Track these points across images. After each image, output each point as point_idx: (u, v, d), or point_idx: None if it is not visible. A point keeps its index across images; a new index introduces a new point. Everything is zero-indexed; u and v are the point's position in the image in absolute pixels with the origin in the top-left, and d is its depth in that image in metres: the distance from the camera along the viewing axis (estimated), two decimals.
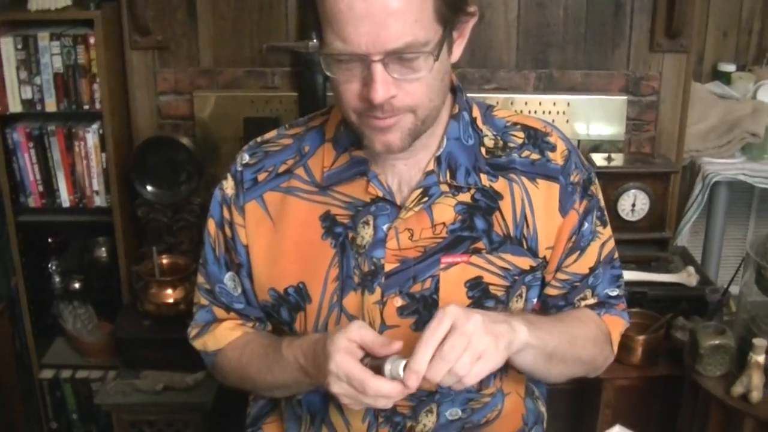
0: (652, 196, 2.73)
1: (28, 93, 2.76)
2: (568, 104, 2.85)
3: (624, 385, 2.53)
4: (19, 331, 3.10)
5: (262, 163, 1.49)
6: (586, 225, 1.48)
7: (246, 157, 1.50)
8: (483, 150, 1.44)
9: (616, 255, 1.58)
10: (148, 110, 2.93)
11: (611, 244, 1.55)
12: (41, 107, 2.78)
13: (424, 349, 1.20)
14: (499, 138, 1.46)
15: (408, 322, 1.42)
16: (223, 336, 1.56)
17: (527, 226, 1.43)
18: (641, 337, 2.50)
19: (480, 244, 1.42)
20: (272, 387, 1.51)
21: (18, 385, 3.13)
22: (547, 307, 1.56)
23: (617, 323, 1.59)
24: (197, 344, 1.60)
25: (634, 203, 2.73)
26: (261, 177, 1.48)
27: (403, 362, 1.22)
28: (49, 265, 3.12)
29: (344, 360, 1.24)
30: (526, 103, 2.83)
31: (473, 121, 1.45)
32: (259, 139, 1.54)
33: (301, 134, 1.50)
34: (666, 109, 2.92)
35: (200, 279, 1.58)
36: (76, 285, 3.11)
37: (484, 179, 1.42)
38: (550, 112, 2.84)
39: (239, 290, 1.53)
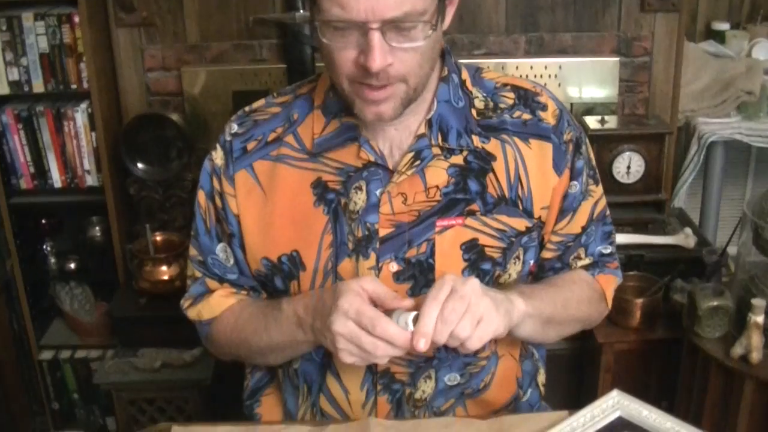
0: (647, 158, 2.71)
1: (15, 74, 2.74)
2: (560, 67, 2.82)
3: (623, 348, 2.53)
4: (17, 313, 3.09)
5: (251, 133, 1.47)
6: (578, 185, 1.47)
7: (234, 127, 1.49)
8: (474, 112, 1.43)
9: (608, 212, 1.58)
10: (136, 88, 2.90)
11: (603, 201, 1.55)
12: (29, 88, 2.76)
13: (429, 311, 1.22)
14: (489, 99, 1.45)
15: (404, 287, 1.41)
16: (218, 303, 1.54)
17: (521, 187, 1.43)
18: (639, 301, 2.49)
19: (474, 207, 1.41)
20: (266, 349, 1.49)
21: (18, 368, 3.13)
22: (543, 270, 1.55)
23: (610, 281, 1.60)
24: (191, 314, 1.58)
25: (629, 165, 2.71)
26: (250, 146, 1.46)
27: (413, 314, 1.24)
28: (44, 247, 3.11)
29: (356, 299, 1.25)
30: (517, 68, 2.80)
31: (462, 83, 1.44)
32: (247, 109, 1.52)
33: (289, 102, 1.49)
34: (659, 70, 2.89)
35: (192, 251, 1.57)
36: (72, 265, 3.10)
37: (476, 141, 1.41)
38: (541, 76, 2.81)
39: (231, 261, 1.52)
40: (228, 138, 1.48)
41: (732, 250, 2.59)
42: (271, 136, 1.46)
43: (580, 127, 1.51)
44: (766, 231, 2.16)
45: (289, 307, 1.41)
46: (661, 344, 2.53)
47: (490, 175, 1.42)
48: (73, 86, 2.75)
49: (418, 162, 1.38)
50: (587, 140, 1.51)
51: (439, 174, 1.40)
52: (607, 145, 2.69)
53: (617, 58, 2.85)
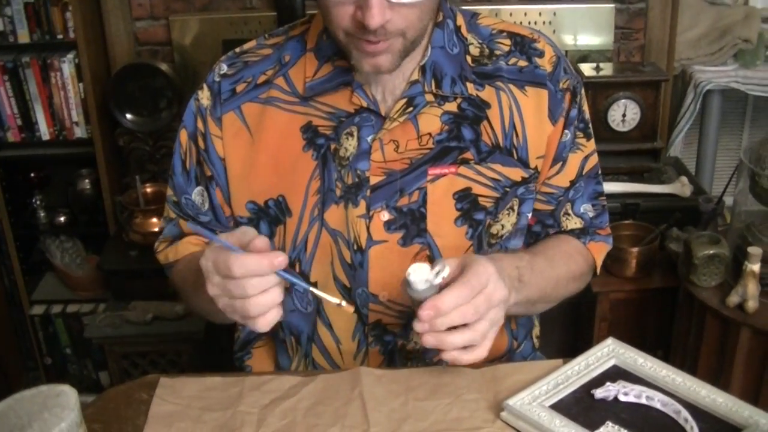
0: (642, 106, 2.68)
1: None
2: (554, 14, 2.78)
3: (619, 297, 2.51)
4: (7, 268, 3.08)
5: (240, 74, 1.43)
6: (569, 134, 1.44)
7: (224, 68, 1.44)
8: (469, 58, 1.39)
9: (599, 171, 1.54)
10: (124, 37, 2.87)
11: (595, 158, 1.51)
12: (14, 39, 2.73)
13: (457, 294, 1.15)
14: (484, 46, 1.41)
15: (395, 236, 1.38)
16: (184, 249, 1.50)
17: (516, 136, 1.39)
18: (635, 249, 2.47)
19: (468, 155, 1.38)
20: (200, 309, 1.44)
21: (10, 323, 3.12)
22: (542, 226, 1.52)
23: (601, 249, 1.56)
24: (161, 257, 1.54)
25: (625, 113, 2.68)
26: (239, 88, 1.42)
27: (437, 267, 1.17)
28: (33, 201, 3.08)
29: (212, 253, 1.17)
30: (511, 14, 2.76)
31: (458, 29, 1.40)
32: (237, 50, 1.47)
33: (281, 44, 1.44)
34: (655, 16, 2.86)
35: (168, 191, 1.53)
36: (62, 219, 3.09)
37: (471, 88, 1.37)
38: (535, 23, 2.78)
39: (206, 205, 1.47)
40: (217, 79, 1.44)
41: (728, 200, 2.57)
42: (261, 79, 1.42)
43: (578, 76, 1.47)
44: (763, 179, 2.14)
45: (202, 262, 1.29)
46: (656, 293, 2.52)
47: (485, 122, 1.38)
48: (59, 36, 2.72)
49: (410, 109, 1.35)
50: (583, 92, 1.47)
51: (432, 121, 1.37)
52: (602, 92, 2.65)
53: (612, 5, 2.81)
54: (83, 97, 2.78)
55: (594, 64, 2.71)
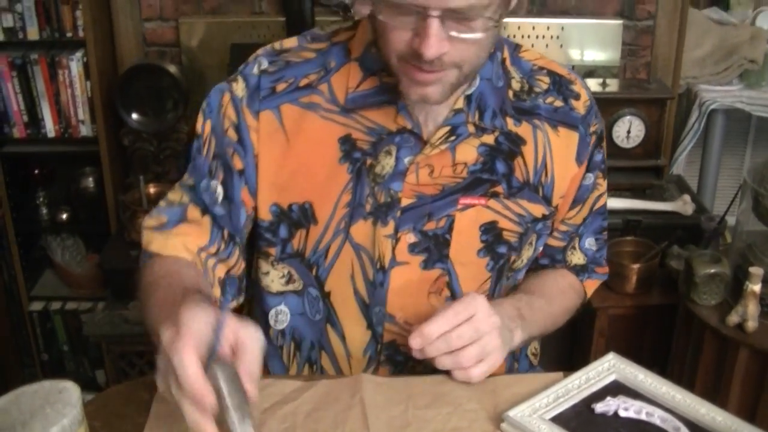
0: (647, 123, 2.68)
1: (9, 21, 2.71)
2: (562, 29, 2.78)
3: (618, 313, 2.52)
4: (7, 263, 3.08)
5: (282, 73, 1.38)
6: (592, 177, 1.46)
7: (264, 63, 1.39)
8: (510, 93, 1.39)
9: (606, 209, 1.57)
10: (132, 37, 2.86)
11: (605, 197, 1.54)
12: (23, 35, 2.73)
13: (442, 321, 1.24)
14: (525, 81, 1.41)
15: (418, 259, 1.38)
16: (173, 246, 1.35)
17: (546, 174, 1.40)
18: (636, 266, 2.48)
19: (499, 188, 1.38)
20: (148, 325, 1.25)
21: (8, 319, 3.12)
22: (545, 257, 1.55)
23: (595, 284, 1.62)
24: (145, 236, 1.39)
25: (629, 130, 2.69)
26: (279, 87, 1.37)
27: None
28: (36, 197, 3.08)
29: (186, 370, 0.98)
30: (519, 28, 2.76)
31: (503, 61, 1.39)
32: (278, 47, 1.42)
33: (325, 50, 1.40)
34: (662, 34, 2.86)
35: (184, 178, 1.44)
36: (63, 216, 3.08)
37: (510, 123, 1.37)
38: (543, 37, 2.78)
39: (220, 199, 1.39)
40: (255, 72, 1.38)
41: (730, 219, 2.57)
42: (303, 81, 1.37)
43: (603, 120, 1.49)
44: (766, 199, 2.14)
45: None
46: (656, 310, 2.52)
47: (519, 158, 1.38)
48: (68, 34, 2.72)
49: (453, 138, 1.34)
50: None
51: (469, 151, 1.36)
52: (607, 108, 2.65)
53: (620, 21, 2.81)
54: (90, 96, 2.78)
55: (600, 80, 2.72)
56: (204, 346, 1.00)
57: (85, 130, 2.84)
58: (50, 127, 2.84)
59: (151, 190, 2.77)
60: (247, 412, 1.00)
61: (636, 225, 2.61)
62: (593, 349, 2.51)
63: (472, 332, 1.25)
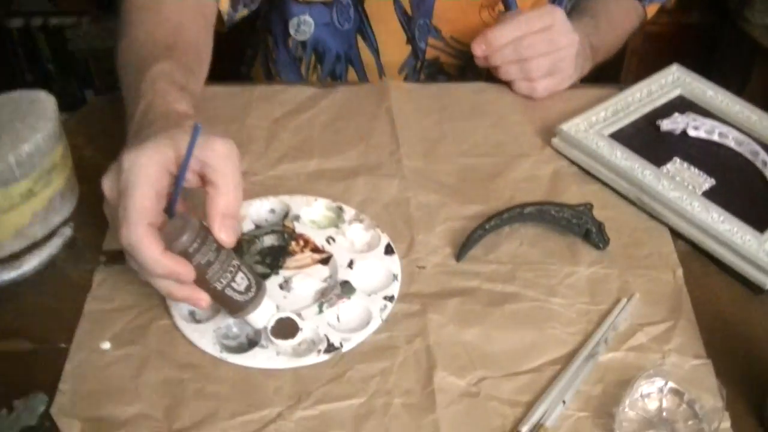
0: None
1: None
2: None
3: (654, 31, 2.34)
4: None
5: None
6: None
7: None
8: None
9: None
10: None
11: None
12: None
13: (512, 27, 1.11)
14: None
15: None
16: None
17: None
18: None
19: None
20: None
21: None
22: None
23: (656, 8, 1.50)
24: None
25: None
26: None
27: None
28: None
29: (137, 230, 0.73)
30: None
31: None
32: None
33: None
34: None
35: None
36: None
37: None
38: None
39: None
40: None
41: None
42: None
43: None
44: None
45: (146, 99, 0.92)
46: (697, 29, 2.38)
47: None
48: None
49: None
50: None
51: None
52: None
53: None
54: None
55: None
56: (159, 203, 0.74)
57: None
58: None
59: None
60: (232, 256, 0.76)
61: None
62: (624, 69, 2.37)
63: (547, 44, 1.12)
